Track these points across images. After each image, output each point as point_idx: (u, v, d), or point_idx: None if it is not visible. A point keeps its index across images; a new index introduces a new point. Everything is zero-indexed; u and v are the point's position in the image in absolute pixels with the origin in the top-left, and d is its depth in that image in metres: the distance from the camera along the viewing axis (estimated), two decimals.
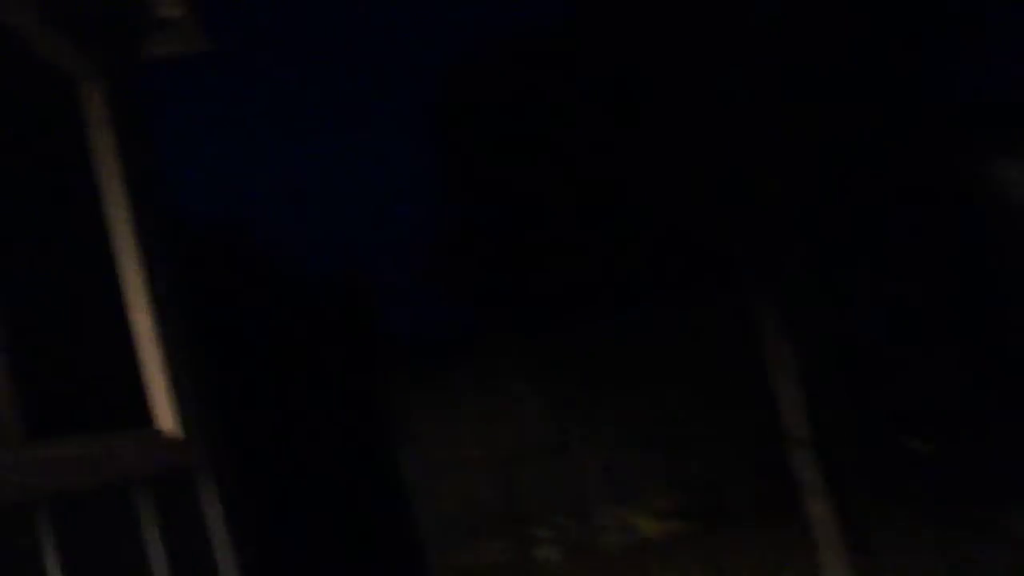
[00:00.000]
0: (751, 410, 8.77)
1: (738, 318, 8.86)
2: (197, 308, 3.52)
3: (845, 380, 5.13)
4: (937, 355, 7.20)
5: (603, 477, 8.59)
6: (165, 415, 2.26)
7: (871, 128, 5.13)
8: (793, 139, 4.94)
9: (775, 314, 4.66)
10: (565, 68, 11.05)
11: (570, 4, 9.92)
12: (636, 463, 8.82)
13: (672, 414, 8.86)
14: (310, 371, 8.09)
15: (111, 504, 1.88)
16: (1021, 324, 6.93)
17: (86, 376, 2.02)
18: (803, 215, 4.88)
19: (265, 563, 2.97)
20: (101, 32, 2.49)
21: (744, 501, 8.52)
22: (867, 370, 6.68)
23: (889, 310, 7.46)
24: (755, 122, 5.17)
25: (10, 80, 2.07)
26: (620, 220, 11.32)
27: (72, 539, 1.65)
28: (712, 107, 5.67)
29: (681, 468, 8.78)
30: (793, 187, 4.93)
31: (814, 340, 4.74)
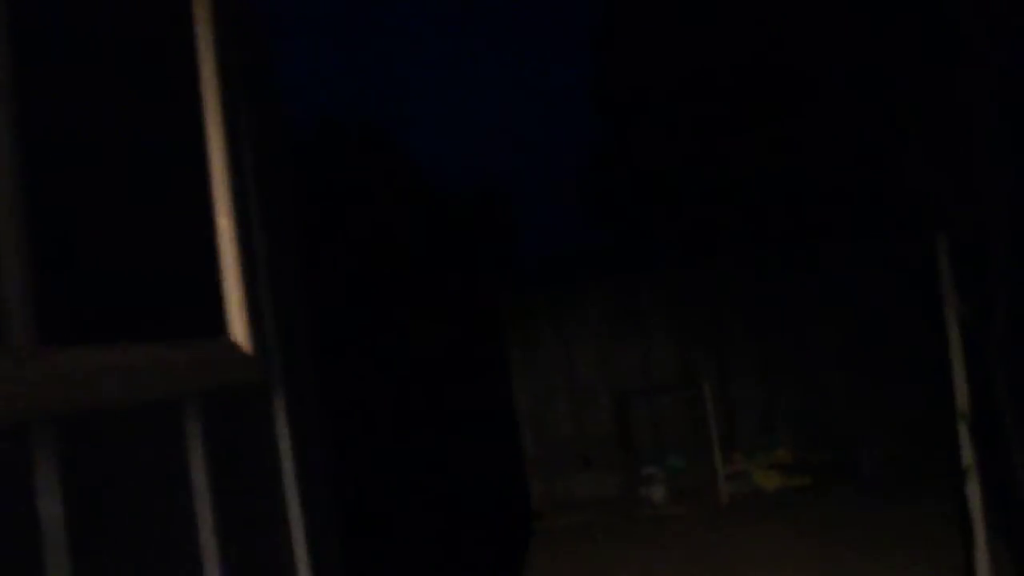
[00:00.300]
0: (899, 371, 8.08)
1: (903, 266, 8.11)
2: (303, 209, 3.23)
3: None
4: None
5: (725, 420, 8.12)
6: (233, 325, 1.98)
7: None
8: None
9: (952, 264, 4.02)
10: None
11: None
12: (762, 410, 8.31)
13: (808, 366, 8.25)
14: (432, 280, 7.87)
15: (145, 429, 1.59)
16: None
17: (144, 275, 1.73)
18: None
19: (345, 499, 2.69)
20: None
21: (874, 465, 7.91)
22: None
23: None
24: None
25: None
26: (777, 168, 10.66)
27: (84, 472, 1.37)
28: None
29: (809, 421, 8.22)
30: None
31: (997, 301, 4.08)
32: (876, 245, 8.31)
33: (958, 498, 6.44)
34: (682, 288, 8.49)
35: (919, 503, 6.72)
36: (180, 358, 1.74)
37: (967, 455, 4.13)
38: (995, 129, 4.35)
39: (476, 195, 9.88)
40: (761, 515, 7.16)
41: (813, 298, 8.27)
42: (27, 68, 1.40)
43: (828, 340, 8.25)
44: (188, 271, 1.90)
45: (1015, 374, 4.03)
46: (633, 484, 8.11)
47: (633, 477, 8.15)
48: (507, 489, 8.10)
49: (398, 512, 6.14)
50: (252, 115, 2.23)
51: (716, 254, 9.09)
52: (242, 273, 2.04)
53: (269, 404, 2.07)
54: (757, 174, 10.96)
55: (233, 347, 1.98)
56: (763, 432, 8.28)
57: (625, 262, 10.10)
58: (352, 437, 5.66)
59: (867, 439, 8.04)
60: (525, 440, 8.37)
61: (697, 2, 10.88)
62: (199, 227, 1.99)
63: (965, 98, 4.52)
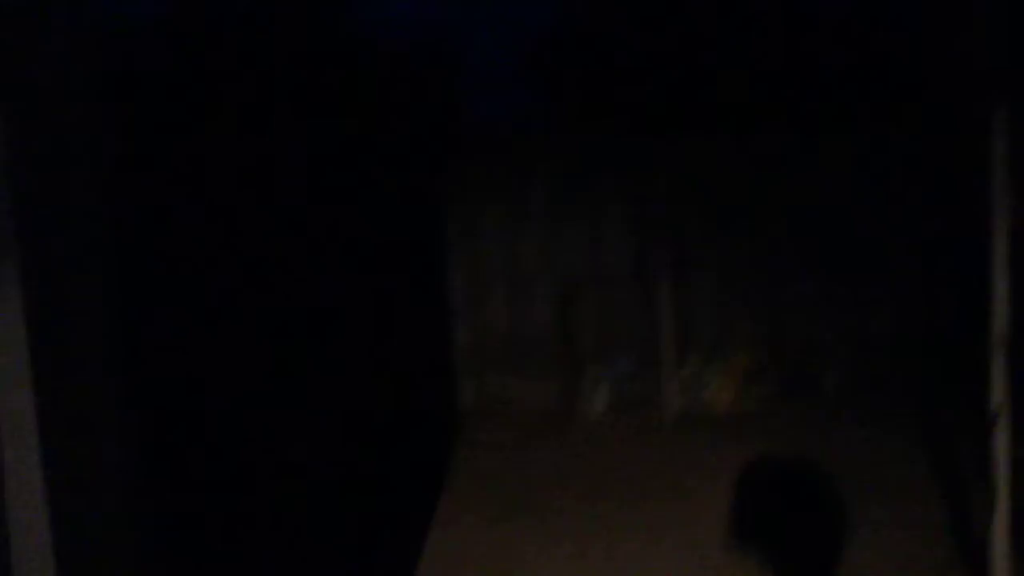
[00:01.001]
0: (872, 283, 7.36)
1: (890, 165, 7.29)
2: None
3: None
4: None
5: (679, 323, 7.31)
6: None
7: None
8: None
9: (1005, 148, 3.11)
10: None
11: None
12: (720, 314, 7.51)
13: (774, 271, 7.43)
14: (352, 141, 6.77)
15: None
16: None
17: None
18: None
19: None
20: None
21: (839, 383, 7.24)
22: None
23: None
24: None
25: None
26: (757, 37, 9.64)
27: None
28: None
29: (773, 331, 7.46)
30: None
31: None
32: (864, 139, 7.43)
33: (933, 427, 5.83)
34: (641, 172, 7.51)
35: (885, 429, 6.09)
36: None
37: (998, 392, 3.33)
38: None
39: (416, 48, 8.63)
40: (712, 432, 6.48)
41: (784, 197, 7.40)
42: None
43: (797, 244, 7.43)
44: None
45: None
46: (573, 388, 7.31)
47: (574, 380, 7.35)
48: (430, 385, 7.26)
49: (272, 412, 5.18)
50: None
51: (680, 139, 8.09)
52: None
53: None
54: (734, 47, 9.94)
55: None
56: (721, 339, 7.50)
57: (579, 140, 9.09)
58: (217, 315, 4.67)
59: (833, 354, 7.35)
60: (456, 333, 7.47)
61: None
62: None
63: None
